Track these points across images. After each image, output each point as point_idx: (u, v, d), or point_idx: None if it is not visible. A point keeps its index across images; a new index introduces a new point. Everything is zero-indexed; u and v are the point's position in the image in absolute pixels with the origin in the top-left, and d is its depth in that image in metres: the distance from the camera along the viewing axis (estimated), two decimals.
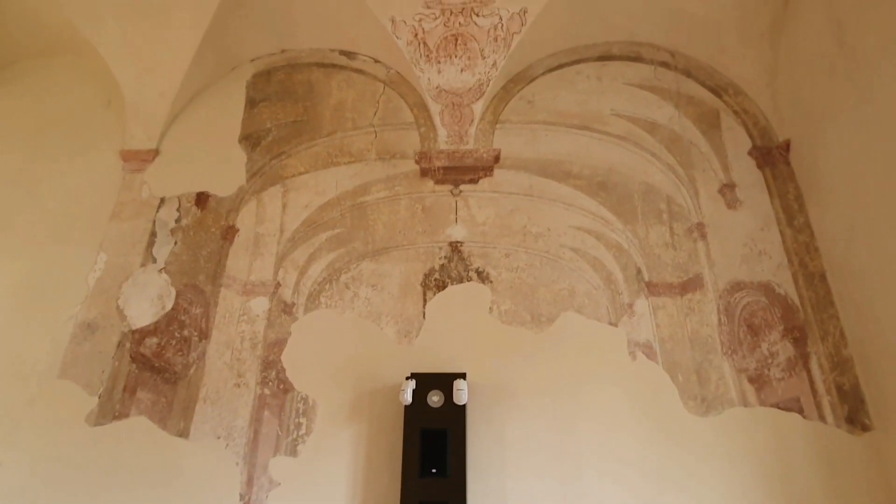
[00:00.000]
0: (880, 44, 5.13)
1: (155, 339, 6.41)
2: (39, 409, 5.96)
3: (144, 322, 6.49)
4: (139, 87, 7.73)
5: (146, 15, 7.39)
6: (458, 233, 7.80)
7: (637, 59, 7.85)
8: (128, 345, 6.39)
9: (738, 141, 7.14)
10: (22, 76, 8.30)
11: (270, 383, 6.15)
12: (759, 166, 6.93)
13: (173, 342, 6.39)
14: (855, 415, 5.42)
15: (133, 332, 6.46)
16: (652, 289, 6.40)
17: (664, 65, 7.76)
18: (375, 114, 8.03)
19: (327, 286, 6.77)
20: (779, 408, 5.58)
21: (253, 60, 8.45)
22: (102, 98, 8.07)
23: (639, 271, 6.53)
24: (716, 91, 7.50)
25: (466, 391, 5.47)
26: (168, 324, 6.49)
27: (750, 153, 7.04)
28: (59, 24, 7.75)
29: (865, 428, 5.33)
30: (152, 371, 6.23)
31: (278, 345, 6.37)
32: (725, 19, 7.05)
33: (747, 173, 6.91)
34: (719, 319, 6.11)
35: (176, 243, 7.00)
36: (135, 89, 7.73)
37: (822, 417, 5.48)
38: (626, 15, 7.55)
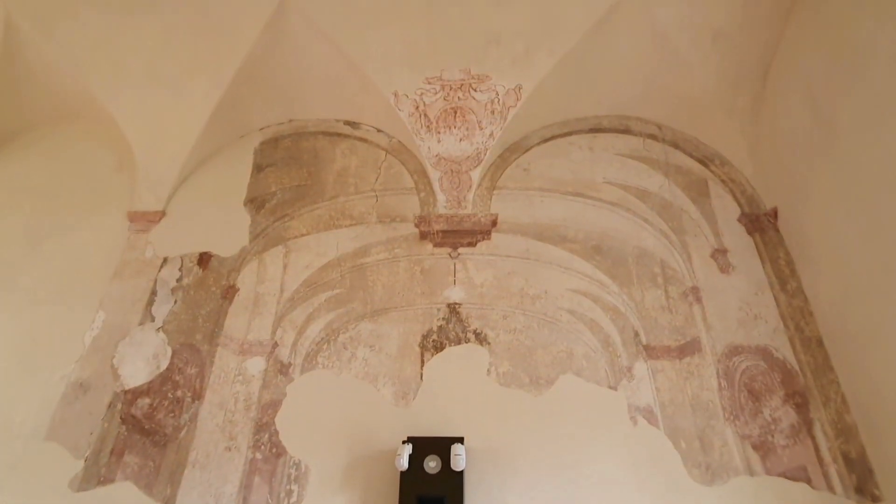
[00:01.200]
0: (853, 119, 5.47)
1: (147, 400, 6.29)
2: (21, 474, 5.74)
3: (138, 382, 6.40)
4: (151, 151, 8.06)
5: (162, 84, 7.84)
6: (456, 294, 7.85)
7: (626, 131, 8.28)
8: (119, 405, 6.27)
9: (727, 208, 7.39)
10: (38, 140, 8.65)
11: (263, 447, 5.97)
12: (749, 232, 7.14)
13: (166, 403, 6.26)
14: (864, 485, 5.27)
15: (126, 392, 6.35)
16: (650, 352, 6.40)
17: (652, 137, 8.17)
18: (377, 179, 8.32)
19: (325, 346, 6.74)
20: (786, 477, 5.43)
21: (262, 129, 8.86)
22: (114, 161, 8.37)
23: (636, 334, 6.55)
24: (703, 161, 7.86)
25: (464, 457, 5.33)
26: (162, 384, 6.39)
27: (739, 220, 7.27)
28: (78, 92, 8.18)
29: (876, 499, 5.17)
30: (142, 433, 6.07)
31: (273, 406, 6.25)
32: (708, 96, 7.51)
33: (738, 239, 7.10)
34: (719, 384, 6.07)
35: (176, 302, 7.03)
36: (147, 154, 8.05)
37: (830, 488, 5.32)
38: (614, 91, 8.04)
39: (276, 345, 6.76)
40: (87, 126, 8.75)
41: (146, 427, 6.09)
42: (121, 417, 6.17)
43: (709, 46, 6.98)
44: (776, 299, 6.53)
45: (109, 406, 6.24)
